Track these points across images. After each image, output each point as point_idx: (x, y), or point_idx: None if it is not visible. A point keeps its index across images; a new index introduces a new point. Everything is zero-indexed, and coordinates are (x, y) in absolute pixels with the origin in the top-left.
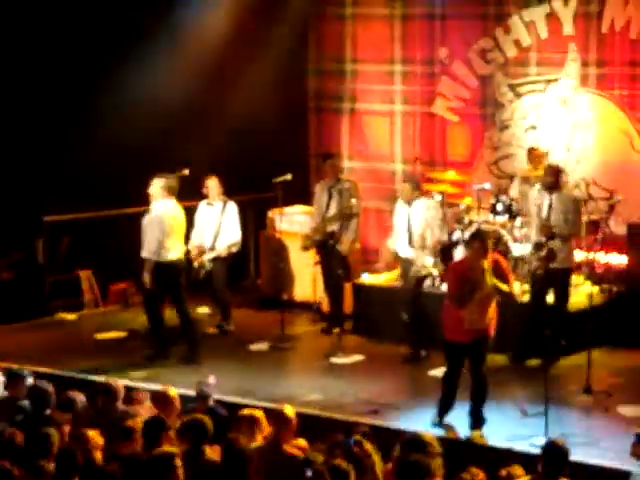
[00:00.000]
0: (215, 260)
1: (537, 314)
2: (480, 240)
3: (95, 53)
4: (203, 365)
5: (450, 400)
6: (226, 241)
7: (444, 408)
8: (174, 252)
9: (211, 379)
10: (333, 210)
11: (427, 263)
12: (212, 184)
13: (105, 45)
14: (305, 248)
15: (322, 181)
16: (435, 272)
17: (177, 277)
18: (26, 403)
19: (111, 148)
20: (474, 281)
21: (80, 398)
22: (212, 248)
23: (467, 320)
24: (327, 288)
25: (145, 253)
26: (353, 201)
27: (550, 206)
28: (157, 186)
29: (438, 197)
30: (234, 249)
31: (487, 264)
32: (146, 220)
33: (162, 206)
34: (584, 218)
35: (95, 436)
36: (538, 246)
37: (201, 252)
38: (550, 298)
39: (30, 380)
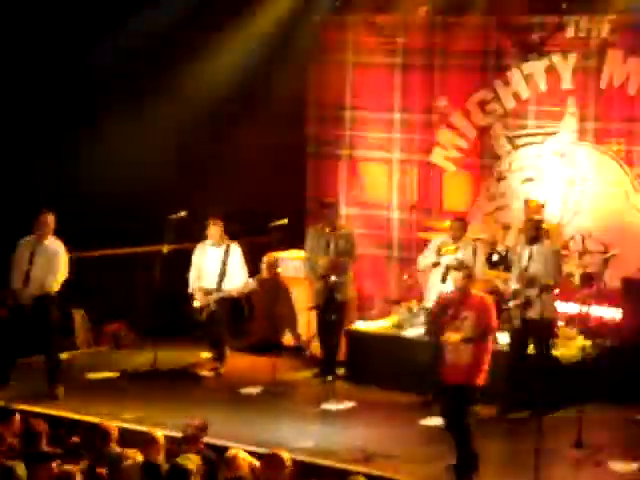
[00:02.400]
0: (220, 301)
1: (518, 365)
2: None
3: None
4: (194, 407)
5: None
6: (234, 282)
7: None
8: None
9: (198, 421)
10: (330, 257)
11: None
12: (217, 227)
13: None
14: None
15: (316, 226)
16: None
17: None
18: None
19: (107, 192)
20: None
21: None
22: (218, 289)
23: (446, 359)
24: (321, 334)
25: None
26: (349, 248)
27: (530, 257)
28: None
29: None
30: (245, 290)
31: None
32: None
33: None
34: (579, 271)
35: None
36: (515, 294)
37: (207, 293)
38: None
39: (18, 417)
